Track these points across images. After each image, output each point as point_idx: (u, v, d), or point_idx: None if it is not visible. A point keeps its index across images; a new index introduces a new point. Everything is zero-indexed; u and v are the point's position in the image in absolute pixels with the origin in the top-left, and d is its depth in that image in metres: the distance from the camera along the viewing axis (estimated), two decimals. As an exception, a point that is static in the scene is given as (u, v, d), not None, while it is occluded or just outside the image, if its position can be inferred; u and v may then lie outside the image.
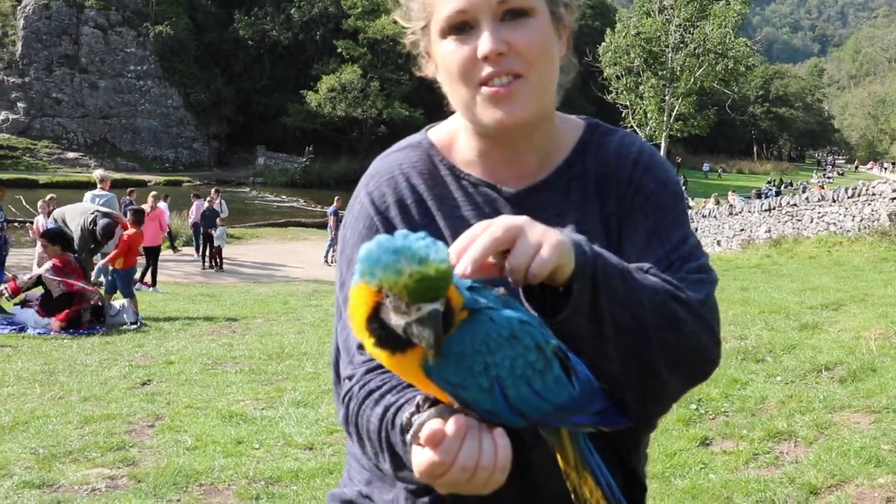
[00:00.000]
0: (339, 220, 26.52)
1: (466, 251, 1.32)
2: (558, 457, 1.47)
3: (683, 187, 55.79)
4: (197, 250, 26.39)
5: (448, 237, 1.64)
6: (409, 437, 1.36)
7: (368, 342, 1.29)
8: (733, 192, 46.90)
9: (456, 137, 1.77)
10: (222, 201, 27.24)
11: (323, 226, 38.26)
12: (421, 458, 1.32)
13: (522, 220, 1.36)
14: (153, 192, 20.93)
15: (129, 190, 22.93)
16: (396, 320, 1.24)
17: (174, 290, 19.43)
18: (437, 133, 1.81)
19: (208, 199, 26.53)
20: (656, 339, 1.47)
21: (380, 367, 1.57)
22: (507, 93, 1.56)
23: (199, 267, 25.31)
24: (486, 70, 1.56)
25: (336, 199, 29.22)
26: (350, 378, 1.62)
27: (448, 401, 1.35)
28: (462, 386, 1.30)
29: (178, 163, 64.34)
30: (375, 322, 1.26)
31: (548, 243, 1.35)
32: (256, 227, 36.35)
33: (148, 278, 19.48)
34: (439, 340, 1.24)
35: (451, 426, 1.30)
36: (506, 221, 1.35)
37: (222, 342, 11.54)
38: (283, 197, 53.97)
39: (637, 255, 1.63)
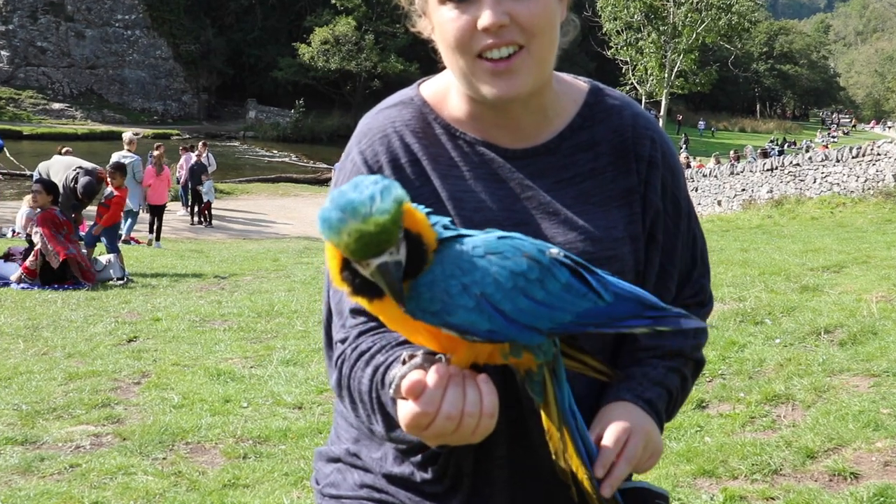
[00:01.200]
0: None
1: (613, 475, 1.47)
2: (542, 415, 1.47)
3: (684, 147, 55.12)
4: (185, 205, 26.31)
5: (445, 199, 1.63)
6: (391, 391, 1.36)
7: (346, 291, 1.30)
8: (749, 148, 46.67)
9: (448, 95, 1.74)
10: (210, 154, 27.12)
11: (315, 181, 38.23)
12: (405, 411, 1.32)
13: (659, 443, 1.59)
14: (156, 148, 20.68)
15: (156, 145, 22.69)
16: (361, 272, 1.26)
17: (161, 246, 19.39)
18: (428, 89, 1.78)
19: (196, 152, 26.39)
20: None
21: (372, 329, 1.58)
22: (507, 67, 1.55)
23: (187, 222, 25.24)
24: (486, 41, 1.54)
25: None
26: (343, 341, 1.63)
27: (440, 346, 1.34)
28: (446, 312, 1.29)
29: (167, 115, 63.90)
30: (347, 271, 1.28)
31: (657, 454, 1.58)
32: (247, 182, 36.22)
33: (139, 235, 19.47)
34: (395, 290, 1.24)
35: (431, 375, 1.30)
36: (636, 442, 1.52)
37: (211, 299, 11.55)
38: (275, 152, 53.72)
39: (663, 265, 1.73)
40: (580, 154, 1.69)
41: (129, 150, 18.45)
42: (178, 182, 25.99)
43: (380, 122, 1.74)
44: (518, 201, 1.64)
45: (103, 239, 13.83)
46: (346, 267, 1.28)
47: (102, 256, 13.82)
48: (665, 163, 1.72)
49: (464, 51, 1.56)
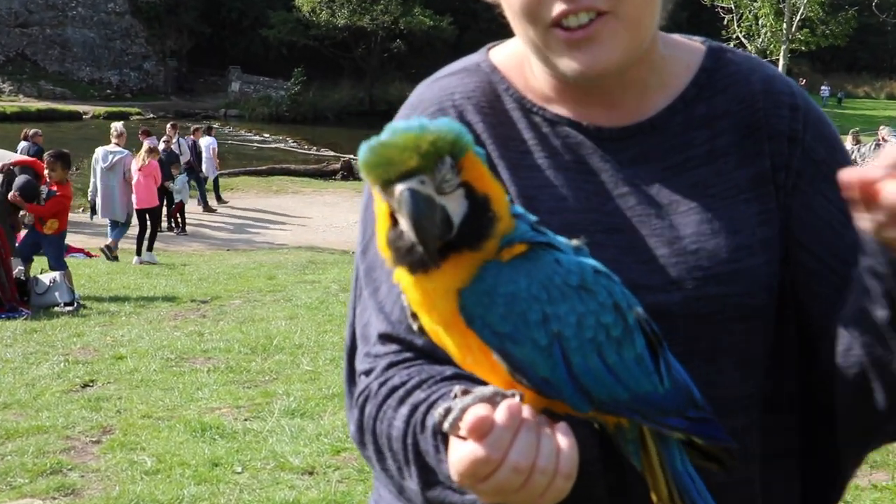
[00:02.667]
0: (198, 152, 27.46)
1: None
2: (650, 485, 1.46)
3: None
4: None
5: (515, 195, 1.63)
6: (446, 424, 1.35)
7: (390, 260, 1.34)
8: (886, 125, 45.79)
9: (526, 62, 1.75)
10: (182, 140, 27.29)
11: (319, 174, 38.34)
12: (462, 453, 1.31)
13: None
14: (147, 145, 20.99)
15: (171, 124, 23.28)
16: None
17: (121, 260, 19.55)
18: (500, 54, 1.80)
19: (164, 138, 26.55)
20: None
21: (406, 360, 1.59)
22: (585, 35, 1.55)
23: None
24: (559, 7, 1.54)
25: None
26: (367, 373, 1.63)
27: (504, 380, 1.36)
28: (512, 338, 1.31)
29: (124, 88, 64.39)
30: (394, 229, 1.32)
31: None
32: (230, 175, 36.28)
33: (91, 246, 19.62)
34: (423, 233, 1.26)
35: (501, 413, 1.30)
36: None
37: (189, 330, 11.61)
38: (266, 135, 53.90)
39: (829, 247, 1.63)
40: (695, 132, 1.68)
41: (117, 144, 19.43)
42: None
43: (435, 93, 1.75)
44: (610, 199, 1.65)
45: (46, 250, 13.92)
46: (394, 226, 1.31)
47: (45, 275, 13.93)
48: (815, 133, 1.70)
49: (533, 19, 1.58)
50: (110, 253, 19.42)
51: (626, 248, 1.59)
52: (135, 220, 19.90)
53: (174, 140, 26.59)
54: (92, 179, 19.97)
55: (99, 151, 19.32)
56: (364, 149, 1.27)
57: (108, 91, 63.30)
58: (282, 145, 50.35)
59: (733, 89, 1.71)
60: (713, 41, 1.80)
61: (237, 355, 10.02)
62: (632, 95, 1.69)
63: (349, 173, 36.74)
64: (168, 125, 28.35)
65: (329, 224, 26.90)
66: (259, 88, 64.24)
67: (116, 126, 20.69)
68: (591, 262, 1.38)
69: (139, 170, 19.69)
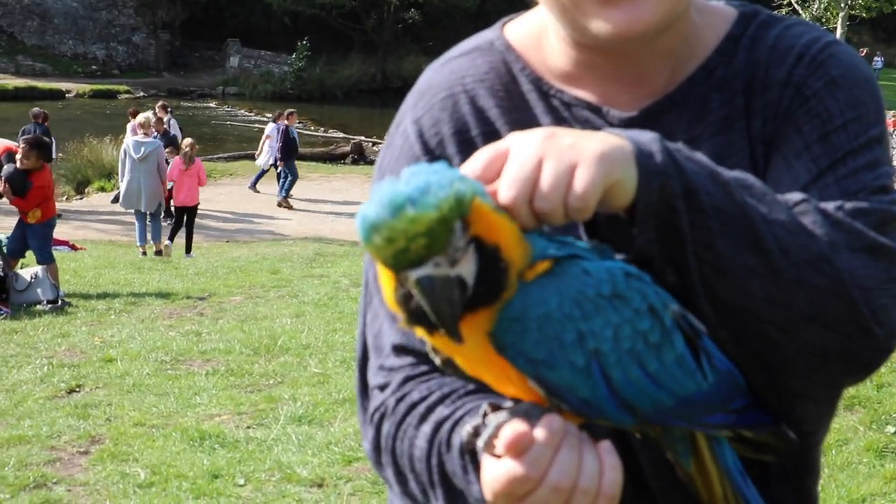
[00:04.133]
0: (288, 143, 27.98)
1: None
2: (699, 488, 1.48)
3: None
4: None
5: None
6: (480, 442, 1.37)
7: (400, 317, 1.34)
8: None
9: (544, 38, 1.75)
10: (173, 121, 27.31)
11: (327, 158, 38.29)
12: (498, 472, 1.32)
13: (539, 135, 1.36)
14: (187, 142, 21.59)
15: (161, 104, 23.62)
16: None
17: (109, 253, 19.65)
18: (517, 30, 1.80)
19: (155, 119, 26.56)
20: (792, 294, 1.44)
21: (423, 373, 1.61)
22: None
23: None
24: None
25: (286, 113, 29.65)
26: (382, 388, 1.65)
27: (533, 397, 1.37)
28: (548, 364, 1.32)
29: (111, 64, 64.45)
30: (402, 288, 1.31)
31: (584, 157, 1.33)
32: (229, 159, 36.35)
33: (78, 239, 19.72)
34: (443, 316, 1.27)
35: (541, 430, 1.31)
36: (520, 145, 1.36)
37: (185, 329, 11.65)
38: (268, 115, 53.75)
39: (780, 190, 1.56)
40: (715, 95, 1.69)
41: (144, 134, 20.53)
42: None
43: (445, 76, 1.77)
44: None
45: (31, 242, 13.93)
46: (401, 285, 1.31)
47: (25, 270, 13.96)
48: (828, 82, 1.64)
49: None
50: (166, 252, 20.11)
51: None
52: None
53: (165, 121, 26.62)
54: (120, 169, 20.70)
55: (129, 142, 20.06)
56: (364, 225, 1.25)
57: (94, 67, 63.33)
58: (286, 126, 50.35)
59: (750, 51, 1.71)
60: (750, 5, 1.79)
61: (238, 357, 10.05)
62: (661, 68, 1.70)
63: (360, 156, 36.76)
64: (157, 105, 28.36)
65: (339, 212, 26.88)
66: (260, 64, 64.27)
67: (145, 115, 21.61)
68: (619, 264, 1.39)
69: (184, 169, 20.47)
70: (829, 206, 1.50)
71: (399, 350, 1.64)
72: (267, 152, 28.82)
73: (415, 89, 1.79)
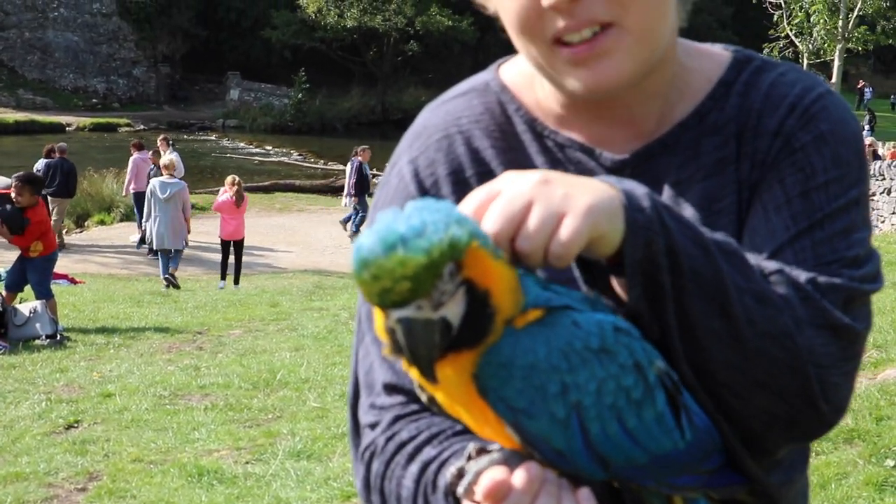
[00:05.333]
0: (361, 180, 27.60)
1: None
2: None
3: (868, 127, 53.52)
4: (139, 227, 26.59)
5: None
6: (460, 489, 1.38)
7: (386, 346, 1.35)
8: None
9: (537, 80, 1.77)
10: (175, 154, 27.36)
11: (327, 190, 38.40)
12: None
13: (533, 178, 1.37)
14: (234, 180, 22.06)
15: (163, 137, 24.18)
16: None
17: (108, 287, 19.65)
18: (511, 71, 1.83)
19: (151, 151, 26.63)
20: (751, 363, 1.47)
21: (414, 413, 1.63)
22: (591, 52, 1.56)
23: (144, 253, 25.45)
24: (559, 23, 1.56)
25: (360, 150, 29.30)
26: (373, 427, 1.67)
27: (509, 442, 1.39)
28: (528, 413, 1.34)
29: (111, 97, 64.57)
30: (387, 322, 1.32)
31: (573, 207, 1.35)
32: (229, 192, 36.46)
33: (76, 272, 19.74)
34: (418, 358, 1.29)
35: (520, 477, 1.32)
36: (512, 185, 1.37)
37: (184, 364, 11.65)
38: (268, 148, 54.10)
39: (756, 241, 1.61)
40: (707, 140, 1.70)
41: (168, 175, 21.33)
42: (132, 192, 26.36)
43: (440, 118, 1.78)
44: None
45: (31, 276, 13.93)
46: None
47: (24, 305, 13.96)
48: (816, 136, 1.65)
49: (533, 37, 1.59)
50: (174, 280, 20.60)
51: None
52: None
53: (166, 153, 26.68)
54: (146, 209, 21.73)
55: (155, 183, 21.12)
56: (357, 258, 1.26)
57: (94, 100, 63.43)
58: (286, 159, 50.51)
59: (744, 97, 1.72)
60: (744, 51, 1.81)
61: (237, 391, 10.04)
62: (651, 110, 1.71)
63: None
64: (159, 138, 28.43)
65: (338, 245, 26.94)
66: (260, 96, 64.40)
67: (170, 157, 22.68)
68: (610, 318, 1.40)
69: (237, 207, 21.31)
70: (802, 277, 1.53)
71: (390, 389, 1.65)
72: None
73: (411, 130, 1.81)
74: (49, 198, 24.00)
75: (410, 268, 1.22)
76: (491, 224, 1.32)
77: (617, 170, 1.68)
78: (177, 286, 20.45)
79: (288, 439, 8.22)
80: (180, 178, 25.46)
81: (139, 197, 26.35)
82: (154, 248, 21.71)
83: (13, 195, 14.06)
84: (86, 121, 55.92)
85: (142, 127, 55.09)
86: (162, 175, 22.23)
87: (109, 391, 10.18)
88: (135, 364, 11.71)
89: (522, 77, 1.79)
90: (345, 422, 8.53)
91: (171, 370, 11.25)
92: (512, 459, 1.36)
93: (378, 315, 1.32)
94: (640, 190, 1.42)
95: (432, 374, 1.30)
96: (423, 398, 1.46)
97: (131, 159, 26.86)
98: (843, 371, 1.53)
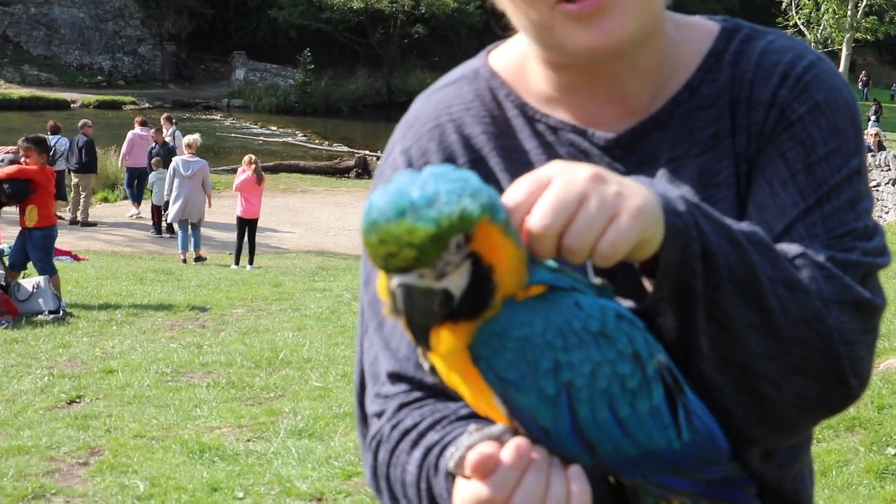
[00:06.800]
0: None
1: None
2: None
3: (874, 118, 53.36)
4: (133, 202, 26.65)
5: None
6: (451, 463, 1.40)
7: (386, 306, 1.36)
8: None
9: (527, 64, 1.78)
10: (178, 132, 27.32)
11: (331, 171, 38.36)
12: (465, 493, 1.36)
13: (586, 173, 1.36)
14: (251, 159, 22.24)
15: (166, 116, 24.06)
16: None
17: (112, 264, 19.64)
18: (500, 57, 1.83)
19: (154, 129, 26.57)
20: (786, 350, 1.48)
21: (418, 399, 1.64)
22: (595, 7, 1.55)
23: (148, 230, 25.53)
24: None
25: None
26: (379, 415, 1.68)
27: (504, 417, 1.40)
28: (517, 386, 1.34)
29: (117, 75, 64.36)
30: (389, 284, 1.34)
31: (626, 209, 1.35)
32: (233, 172, 36.36)
33: (80, 250, 19.77)
34: (414, 325, 1.31)
35: (508, 452, 1.33)
36: (565, 177, 1.36)
37: (187, 342, 11.67)
38: (273, 128, 53.97)
39: (766, 217, 1.61)
40: (701, 114, 1.70)
41: (190, 154, 22.24)
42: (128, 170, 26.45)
43: (432, 107, 1.79)
44: None
45: (31, 251, 13.92)
46: None
47: (27, 280, 13.97)
48: (812, 107, 1.65)
49: (533, 0, 1.59)
50: (202, 258, 21.77)
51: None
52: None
53: (169, 132, 26.66)
54: (167, 184, 22.15)
55: (178, 161, 22.16)
56: (366, 217, 1.27)
57: (100, 77, 63.20)
58: (290, 139, 50.33)
59: (735, 67, 1.72)
60: (732, 19, 1.81)
61: (239, 369, 10.06)
62: (643, 87, 1.71)
63: (364, 171, 36.80)
64: (163, 116, 28.39)
65: (341, 227, 26.91)
66: (266, 76, 64.26)
67: (192, 137, 23.28)
68: (614, 305, 1.40)
69: (258, 184, 21.56)
70: (821, 256, 1.53)
71: (394, 377, 1.66)
72: None
73: (403, 121, 1.82)
74: (73, 174, 24.20)
75: (417, 237, 1.23)
76: (541, 217, 1.32)
77: (610, 148, 1.69)
78: (202, 259, 21.52)
79: (290, 418, 8.23)
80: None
81: (133, 172, 26.38)
82: (172, 220, 22.25)
83: (21, 157, 14.08)
84: (90, 98, 55.72)
85: (147, 105, 54.93)
86: (183, 153, 22.41)
87: (112, 367, 10.20)
88: (137, 341, 11.73)
89: (512, 62, 1.79)
90: (347, 402, 8.56)
91: (174, 347, 11.27)
92: (505, 436, 1.37)
93: (382, 275, 1.33)
94: (673, 192, 1.43)
95: (426, 341, 1.32)
96: (426, 366, 1.45)
97: (129, 133, 26.78)
98: (867, 344, 1.54)
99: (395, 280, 1.27)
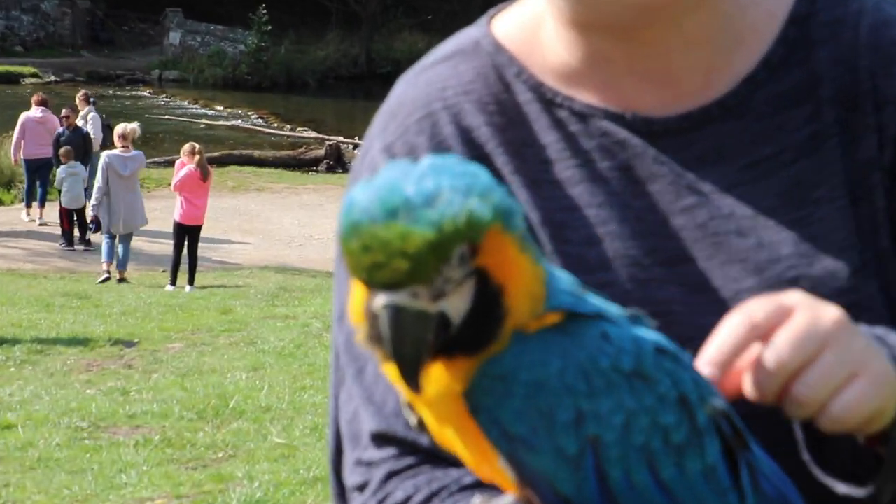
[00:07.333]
0: None
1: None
2: None
3: None
4: (27, 204, 26.83)
5: (537, 223, 1.66)
6: None
7: (360, 331, 1.32)
8: None
9: (541, 30, 1.75)
10: (95, 114, 27.47)
11: (295, 163, 38.61)
12: None
13: (832, 315, 1.36)
14: (191, 148, 22.57)
15: (83, 93, 24.11)
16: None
17: (9, 286, 19.80)
18: (506, 24, 1.81)
19: (67, 108, 26.69)
20: None
21: (408, 467, 1.63)
22: None
23: (56, 241, 25.55)
24: None
25: None
26: (361, 488, 1.67)
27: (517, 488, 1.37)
28: (528, 444, 1.31)
29: (13, 39, 64.86)
30: (369, 304, 1.30)
31: (871, 371, 1.35)
32: (167, 165, 36.51)
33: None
34: (403, 358, 1.26)
35: None
36: (811, 312, 1.36)
37: (108, 387, 11.70)
38: (220, 108, 54.33)
39: None
40: (790, 110, 1.66)
41: (123, 147, 22.03)
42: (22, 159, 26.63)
43: (421, 90, 1.77)
44: (671, 217, 1.66)
45: None
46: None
47: None
48: None
49: None
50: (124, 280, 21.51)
51: (695, 285, 1.61)
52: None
53: (85, 113, 26.76)
54: (101, 185, 21.73)
55: (111, 157, 21.84)
56: (347, 217, 1.25)
57: (-7, 44, 63.78)
58: (241, 122, 50.73)
59: (833, 44, 1.68)
60: None
61: (177, 422, 10.08)
62: (695, 62, 1.68)
63: (337, 163, 37.05)
64: (78, 95, 28.52)
65: (308, 235, 27.17)
66: (209, 41, 64.72)
67: (127, 127, 23.02)
68: (653, 336, 1.38)
69: (203, 181, 21.82)
70: None
71: (380, 439, 1.64)
72: None
73: (384, 108, 1.79)
74: None
75: (412, 244, 1.19)
76: (779, 351, 1.32)
77: (658, 136, 1.66)
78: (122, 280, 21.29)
79: (243, 485, 8.26)
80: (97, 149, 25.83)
81: (30, 165, 26.47)
82: (106, 232, 21.97)
83: None
84: (-20, 70, 56.14)
85: (53, 78, 55.35)
86: (116, 147, 22.61)
87: (10, 421, 10.23)
88: (43, 386, 11.75)
89: (522, 29, 1.76)
90: (317, 462, 8.60)
91: (91, 394, 11.30)
92: None
93: (357, 289, 1.29)
94: None
95: (416, 380, 1.26)
96: (413, 421, 1.43)
97: (21, 116, 26.84)
98: None
99: (381, 299, 1.23)
